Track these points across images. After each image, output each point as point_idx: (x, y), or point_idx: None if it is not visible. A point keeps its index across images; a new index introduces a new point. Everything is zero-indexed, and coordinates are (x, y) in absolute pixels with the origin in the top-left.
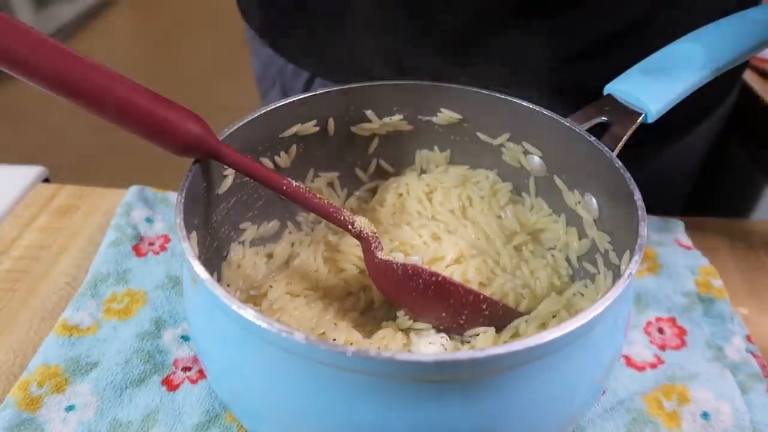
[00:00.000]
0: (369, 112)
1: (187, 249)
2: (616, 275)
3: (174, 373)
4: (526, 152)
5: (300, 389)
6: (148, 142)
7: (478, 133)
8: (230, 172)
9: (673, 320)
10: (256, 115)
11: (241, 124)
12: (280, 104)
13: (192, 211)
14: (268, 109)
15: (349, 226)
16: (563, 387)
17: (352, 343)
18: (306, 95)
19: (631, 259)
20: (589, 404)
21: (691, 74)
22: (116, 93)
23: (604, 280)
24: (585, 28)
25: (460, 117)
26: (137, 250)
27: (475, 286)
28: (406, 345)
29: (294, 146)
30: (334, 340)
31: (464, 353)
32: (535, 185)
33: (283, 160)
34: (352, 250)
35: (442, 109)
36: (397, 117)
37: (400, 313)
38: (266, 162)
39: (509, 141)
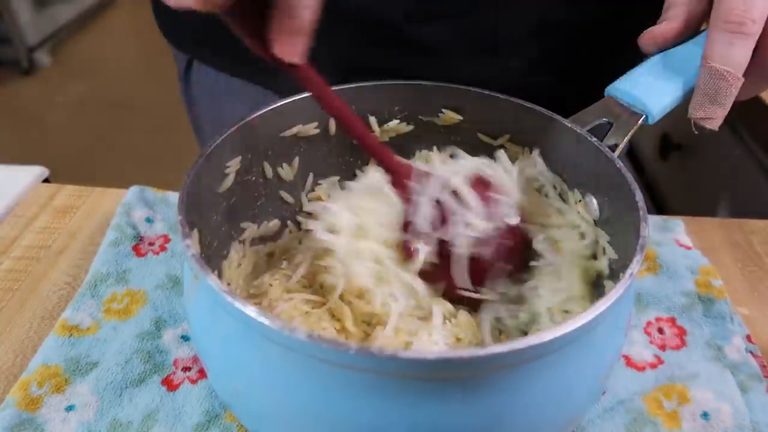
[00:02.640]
0: (372, 119)
1: (188, 247)
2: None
3: (174, 373)
4: (526, 153)
5: (301, 387)
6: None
7: (479, 134)
8: (231, 171)
9: (673, 320)
10: (256, 114)
11: (241, 123)
12: (280, 104)
13: (193, 209)
14: (269, 109)
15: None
16: (564, 386)
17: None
18: (307, 94)
19: (632, 259)
20: (589, 404)
21: (692, 75)
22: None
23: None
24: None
25: (460, 118)
26: (137, 250)
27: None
28: (407, 344)
29: (297, 158)
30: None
31: (467, 351)
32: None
33: (286, 172)
34: None
35: (443, 110)
36: (395, 122)
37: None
38: (268, 170)
39: (510, 141)
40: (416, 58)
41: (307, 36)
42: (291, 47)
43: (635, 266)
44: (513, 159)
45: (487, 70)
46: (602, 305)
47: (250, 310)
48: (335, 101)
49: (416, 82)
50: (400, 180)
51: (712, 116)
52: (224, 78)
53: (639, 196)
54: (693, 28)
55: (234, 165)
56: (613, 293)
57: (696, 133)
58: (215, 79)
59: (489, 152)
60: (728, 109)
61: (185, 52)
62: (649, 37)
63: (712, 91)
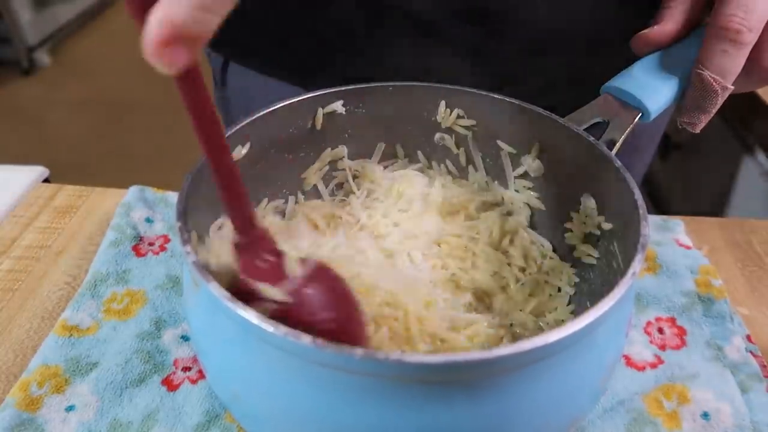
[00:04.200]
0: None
1: (188, 253)
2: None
3: (174, 373)
4: (523, 152)
5: (304, 392)
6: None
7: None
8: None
9: (672, 320)
10: (256, 116)
11: (241, 125)
12: (280, 105)
13: (192, 212)
14: (268, 110)
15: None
16: (569, 387)
17: None
18: (305, 96)
19: (633, 258)
20: (592, 404)
21: (688, 73)
22: None
23: None
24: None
25: (456, 116)
26: (137, 251)
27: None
28: None
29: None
30: None
31: (472, 354)
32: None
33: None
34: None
35: (439, 110)
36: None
37: None
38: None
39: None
40: (457, 58)
41: (201, 43)
42: (170, 54)
43: (637, 265)
44: (512, 160)
45: (529, 69)
46: (605, 305)
47: (253, 317)
48: (211, 127)
49: (411, 83)
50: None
51: (696, 122)
52: (261, 79)
53: (638, 195)
54: (689, 29)
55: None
56: (616, 292)
57: (680, 127)
58: (251, 79)
59: (489, 151)
60: (712, 115)
61: (220, 53)
62: (642, 40)
63: (701, 99)
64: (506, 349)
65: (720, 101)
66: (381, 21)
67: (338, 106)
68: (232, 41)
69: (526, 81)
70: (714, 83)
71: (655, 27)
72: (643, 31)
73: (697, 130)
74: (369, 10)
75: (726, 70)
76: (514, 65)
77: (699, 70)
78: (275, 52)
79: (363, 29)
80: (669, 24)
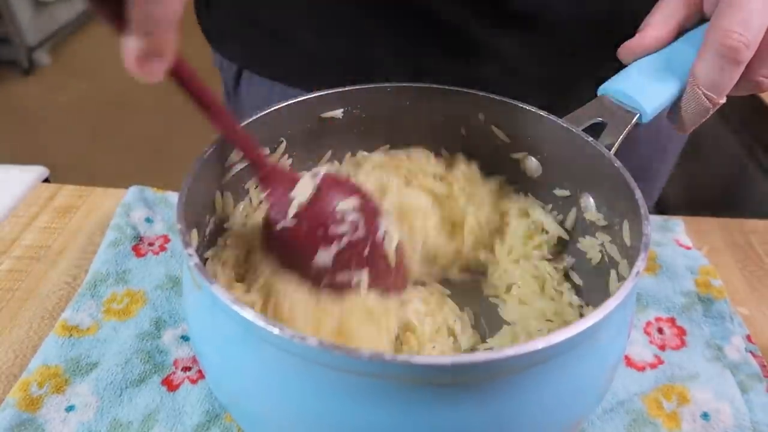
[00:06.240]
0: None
1: (190, 256)
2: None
3: (174, 373)
4: (522, 152)
5: (308, 394)
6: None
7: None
8: (230, 174)
9: (672, 320)
10: (255, 117)
11: (241, 125)
12: (277, 107)
13: (193, 212)
14: (266, 112)
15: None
16: (573, 387)
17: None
18: (304, 97)
19: (636, 257)
20: (596, 404)
21: (684, 74)
22: None
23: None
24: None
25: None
26: (137, 251)
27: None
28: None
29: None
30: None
31: (479, 355)
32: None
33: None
34: None
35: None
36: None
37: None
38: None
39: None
40: (492, 67)
41: (170, 54)
42: (148, 68)
43: (641, 264)
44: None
45: (550, 72)
46: (611, 304)
47: (258, 318)
48: (205, 93)
49: (411, 84)
50: (269, 179)
51: (685, 129)
52: (280, 88)
53: (639, 194)
54: (678, 32)
55: (234, 167)
56: (622, 291)
57: (668, 122)
58: (269, 89)
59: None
60: (701, 122)
61: (237, 63)
62: (627, 50)
63: (693, 113)
64: (513, 350)
65: (711, 114)
66: (409, 20)
67: (338, 114)
68: (248, 51)
69: (568, 85)
70: (707, 101)
71: (637, 36)
72: (628, 42)
73: (686, 133)
74: (396, 21)
75: (720, 86)
76: (549, 69)
77: (694, 86)
78: (292, 60)
79: (384, 39)
80: (651, 31)
